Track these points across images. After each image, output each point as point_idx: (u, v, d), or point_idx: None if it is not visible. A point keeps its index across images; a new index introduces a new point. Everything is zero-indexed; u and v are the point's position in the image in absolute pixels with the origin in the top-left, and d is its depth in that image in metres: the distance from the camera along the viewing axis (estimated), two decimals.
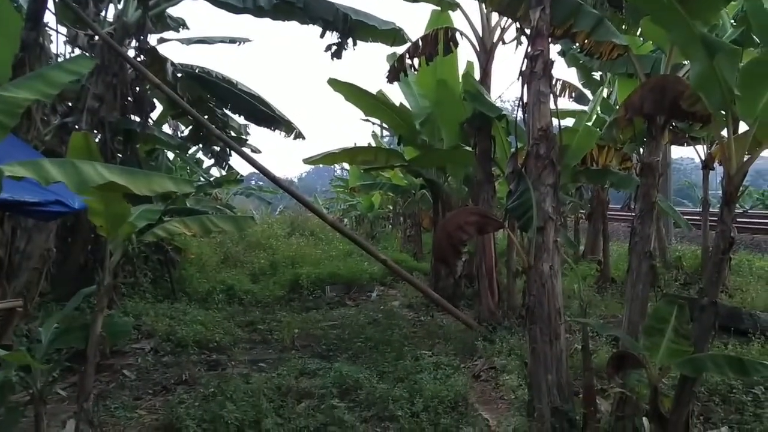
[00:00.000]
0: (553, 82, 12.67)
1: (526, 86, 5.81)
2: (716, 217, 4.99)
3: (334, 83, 11.66)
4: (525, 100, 5.82)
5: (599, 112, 11.82)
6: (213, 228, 6.20)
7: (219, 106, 14.01)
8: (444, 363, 8.00)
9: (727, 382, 6.63)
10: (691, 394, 4.88)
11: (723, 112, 4.96)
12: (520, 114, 6.03)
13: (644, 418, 4.45)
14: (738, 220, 17.74)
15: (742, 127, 5.13)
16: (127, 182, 4.32)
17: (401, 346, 8.87)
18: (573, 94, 14.49)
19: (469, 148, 10.71)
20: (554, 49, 11.97)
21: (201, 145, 19.09)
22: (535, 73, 5.74)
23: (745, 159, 4.86)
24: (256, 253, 17.17)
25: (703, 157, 13.35)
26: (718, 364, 4.41)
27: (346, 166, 32.44)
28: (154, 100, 12.94)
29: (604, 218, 14.84)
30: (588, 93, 14.07)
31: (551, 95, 5.73)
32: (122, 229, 5.47)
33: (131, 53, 11.78)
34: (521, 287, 10.76)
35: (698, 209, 16.77)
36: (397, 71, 10.02)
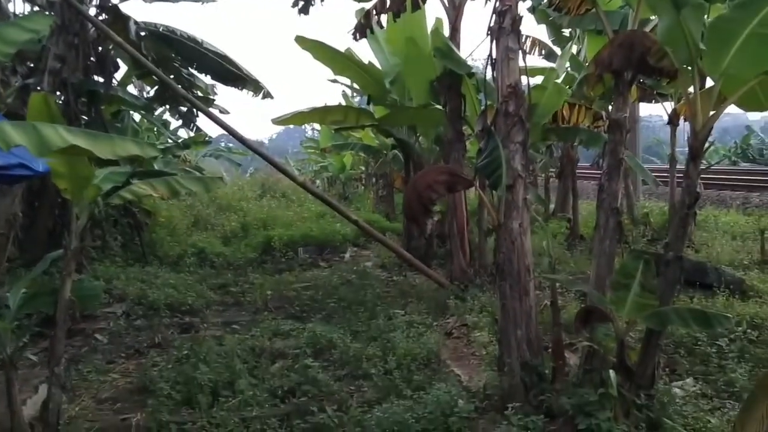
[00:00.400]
0: (523, 39, 12.62)
1: (494, 42, 5.77)
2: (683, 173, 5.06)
3: (302, 41, 11.47)
4: (494, 56, 5.78)
5: (569, 69, 11.81)
6: (180, 189, 6.12)
7: (184, 65, 13.68)
8: (417, 321, 8.09)
9: (693, 334, 6.80)
10: (656, 347, 5.01)
11: (689, 68, 4.99)
12: (489, 71, 5.99)
13: (611, 371, 4.55)
14: (705, 176, 17.89)
15: (709, 83, 5.19)
16: (89, 145, 4.22)
17: (374, 306, 8.94)
18: (543, 52, 14.45)
19: (439, 107, 10.66)
20: (524, 6, 11.87)
21: (168, 107, 18.76)
22: (504, 28, 5.70)
23: (710, 114, 4.91)
24: (227, 216, 17.02)
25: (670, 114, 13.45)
26: (682, 317, 4.53)
27: (317, 126, 32.23)
28: (118, 60, 12.63)
29: (574, 176, 14.94)
30: (558, 50, 14.01)
31: (520, 51, 5.70)
32: (87, 191, 5.37)
33: (92, 11, 11.44)
34: (492, 246, 10.88)
35: (666, 166, 16.94)
36: (363, 27, 9.82)
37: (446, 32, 10.80)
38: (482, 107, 8.79)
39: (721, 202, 19.74)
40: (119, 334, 8.31)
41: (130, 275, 10.45)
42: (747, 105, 5.68)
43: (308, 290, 10.51)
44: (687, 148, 5.05)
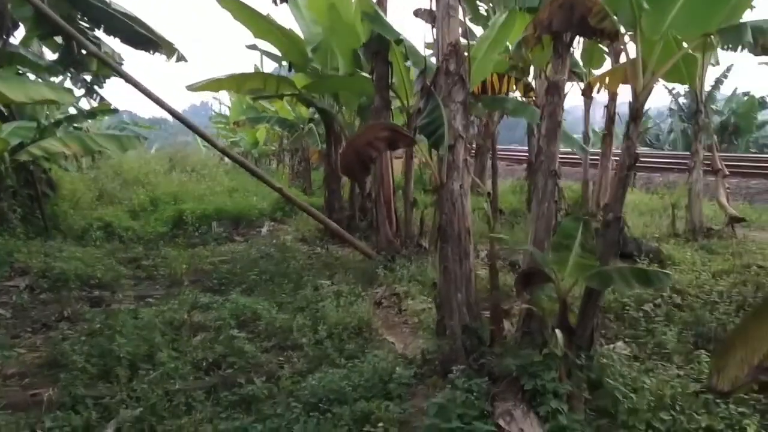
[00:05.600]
0: None
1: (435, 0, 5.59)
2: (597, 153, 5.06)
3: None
4: (434, 13, 5.60)
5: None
6: (94, 147, 5.70)
7: (91, 27, 12.82)
8: (345, 291, 7.88)
9: (620, 300, 6.93)
10: (595, 308, 5.02)
11: (629, 30, 4.98)
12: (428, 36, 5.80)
13: (557, 330, 4.49)
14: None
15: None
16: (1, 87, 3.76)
17: (299, 277, 8.69)
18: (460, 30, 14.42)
19: (365, 75, 10.39)
20: None
21: (69, 75, 17.66)
22: None
23: (651, 76, 4.92)
24: (134, 189, 16.27)
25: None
26: (624, 276, 4.52)
27: (226, 101, 31.27)
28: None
29: (494, 152, 15.01)
30: (476, 28, 13.96)
31: (460, 9, 5.54)
32: None
33: None
34: (418, 217, 10.82)
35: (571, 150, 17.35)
36: None
37: None
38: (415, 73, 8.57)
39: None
40: (24, 308, 7.76)
41: (32, 249, 9.77)
42: (669, 78, 5.78)
43: (225, 264, 10.10)
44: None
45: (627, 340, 6.12)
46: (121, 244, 11.69)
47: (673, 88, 35.18)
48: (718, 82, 31.94)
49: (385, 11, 10.01)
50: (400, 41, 9.24)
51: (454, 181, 5.31)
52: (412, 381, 5.11)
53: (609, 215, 4.92)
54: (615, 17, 5.00)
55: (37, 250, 9.77)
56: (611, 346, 5.91)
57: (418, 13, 13.41)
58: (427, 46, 11.21)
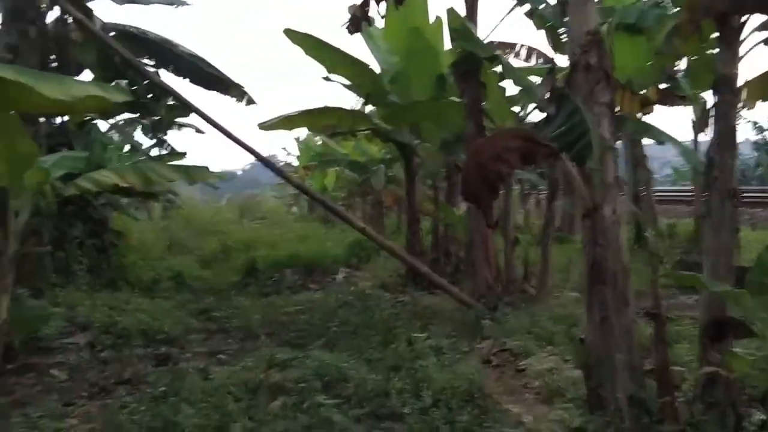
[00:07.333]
0: (517, 47, 11.20)
1: None
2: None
3: (292, 34, 10.19)
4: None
5: None
6: (156, 178, 4.80)
7: (157, 70, 12.34)
8: (445, 346, 6.69)
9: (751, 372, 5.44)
10: None
11: None
12: None
13: None
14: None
15: None
16: (27, 81, 2.83)
17: (387, 330, 7.54)
18: (540, 60, 13.29)
19: (454, 99, 9.34)
20: (521, 10, 10.58)
21: (140, 126, 17.53)
22: None
23: None
24: (204, 239, 15.90)
25: (695, 119, 12.32)
26: None
27: (294, 151, 30.96)
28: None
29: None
30: (559, 58, 12.81)
31: None
32: (30, 176, 3.93)
33: None
34: (520, 257, 9.58)
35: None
36: (358, 20, 8.58)
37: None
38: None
39: None
40: (81, 368, 6.87)
41: (96, 302, 9.05)
42: None
43: (302, 314, 9.24)
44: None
45: None
46: (191, 295, 11.06)
47: (756, 122, 33.45)
48: None
49: (475, 25, 8.98)
50: (494, 58, 8.18)
51: (606, 205, 4.11)
52: None
53: None
54: None
55: (102, 303, 9.05)
56: None
57: None
58: None
